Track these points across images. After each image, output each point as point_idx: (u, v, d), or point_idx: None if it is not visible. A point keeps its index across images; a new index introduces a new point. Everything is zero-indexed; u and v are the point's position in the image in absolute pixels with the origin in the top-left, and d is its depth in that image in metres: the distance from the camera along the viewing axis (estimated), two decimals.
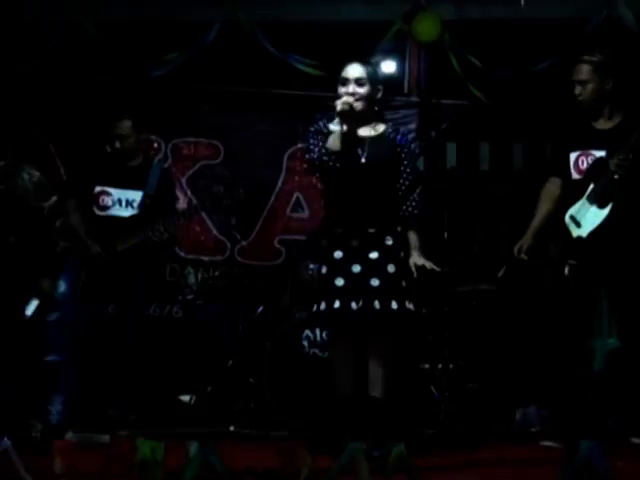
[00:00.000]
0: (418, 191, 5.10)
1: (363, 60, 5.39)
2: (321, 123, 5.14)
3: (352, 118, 5.03)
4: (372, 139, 5.10)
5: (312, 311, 5.13)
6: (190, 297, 7.48)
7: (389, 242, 5.05)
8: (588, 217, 5.28)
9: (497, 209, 8.87)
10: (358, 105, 5.04)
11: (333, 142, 4.99)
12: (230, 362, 6.62)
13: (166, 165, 7.42)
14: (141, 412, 6.36)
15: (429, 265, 4.98)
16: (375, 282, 4.96)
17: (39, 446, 4.99)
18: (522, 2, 5.08)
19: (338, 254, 5.05)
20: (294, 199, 7.76)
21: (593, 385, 5.81)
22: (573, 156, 5.42)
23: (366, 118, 5.12)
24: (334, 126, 5.01)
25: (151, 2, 7.51)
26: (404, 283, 5.04)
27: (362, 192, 5.04)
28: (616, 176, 5.16)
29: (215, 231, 7.69)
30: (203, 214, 7.47)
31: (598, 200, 5.25)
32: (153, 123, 7.51)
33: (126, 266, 6.01)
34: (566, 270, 5.40)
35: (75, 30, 7.20)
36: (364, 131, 5.12)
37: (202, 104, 7.61)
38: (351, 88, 5.06)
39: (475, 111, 7.65)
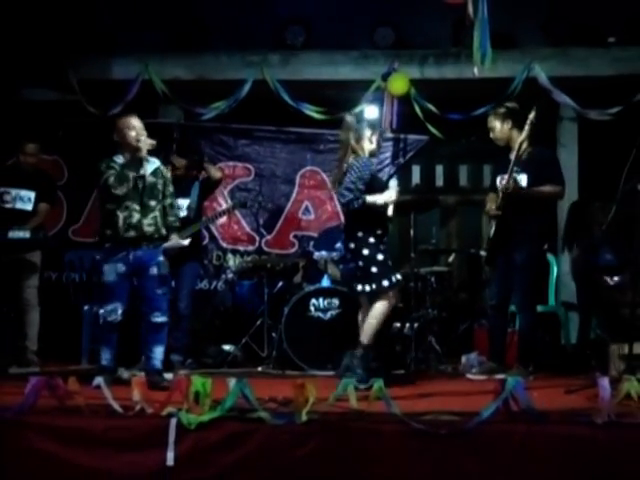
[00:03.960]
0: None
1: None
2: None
3: None
4: None
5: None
6: (230, 276, 7.48)
7: (351, 245, 5.05)
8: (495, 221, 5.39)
9: (448, 214, 8.88)
10: None
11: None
12: (258, 322, 6.60)
13: None
14: (195, 357, 6.35)
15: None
16: (358, 273, 5.05)
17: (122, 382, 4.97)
18: (476, 72, 5.09)
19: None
20: (304, 206, 7.75)
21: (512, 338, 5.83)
22: (498, 178, 5.51)
23: None
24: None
25: (202, 66, 7.50)
26: (375, 269, 4.99)
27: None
28: (504, 191, 5.35)
29: (248, 228, 7.68)
30: (239, 216, 7.51)
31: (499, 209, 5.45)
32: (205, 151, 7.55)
33: (180, 254, 5.97)
34: (482, 259, 5.54)
35: (149, 86, 7.20)
36: None
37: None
38: None
39: (432, 143, 7.65)
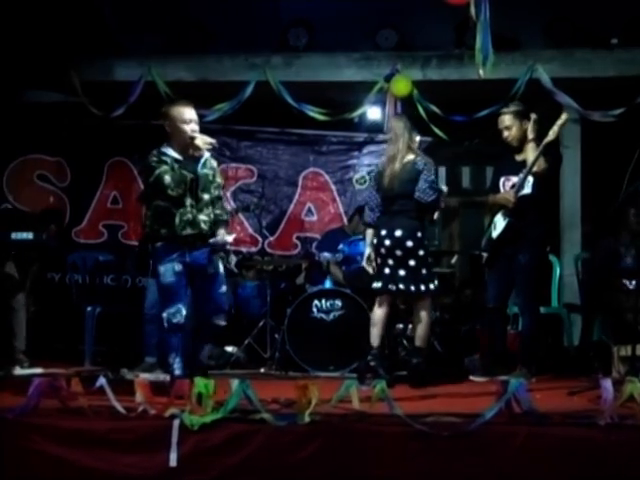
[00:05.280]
0: None
1: None
2: None
3: None
4: None
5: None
6: (233, 277, 7.48)
7: (409, 244, 5.13)
8: (499, 224, 5.37)
9: (451, 215, 8.88)
10: None
11: None
12: (261, 323, 6.60)
13: None
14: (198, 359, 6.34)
15: None
16: (402, 272, 5.15)
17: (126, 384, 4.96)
18: (481, 74, 5.09)
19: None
20: (307, 207, 7.74)
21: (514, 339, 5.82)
22: (501, 180, 5.49)
23: None
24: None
25: (205, 68, 7.51)
26: (424, 271, 5.14)
27: None
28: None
29: (251, 230, 7.68)
30: (242, 217, 7.51)
31: (504, 214, 5.41)
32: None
33: None
34: (483, 259, 5.52)
35: (151, 88, 7.20)
36: None
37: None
38: None
39: (436, 145, 7.63)
